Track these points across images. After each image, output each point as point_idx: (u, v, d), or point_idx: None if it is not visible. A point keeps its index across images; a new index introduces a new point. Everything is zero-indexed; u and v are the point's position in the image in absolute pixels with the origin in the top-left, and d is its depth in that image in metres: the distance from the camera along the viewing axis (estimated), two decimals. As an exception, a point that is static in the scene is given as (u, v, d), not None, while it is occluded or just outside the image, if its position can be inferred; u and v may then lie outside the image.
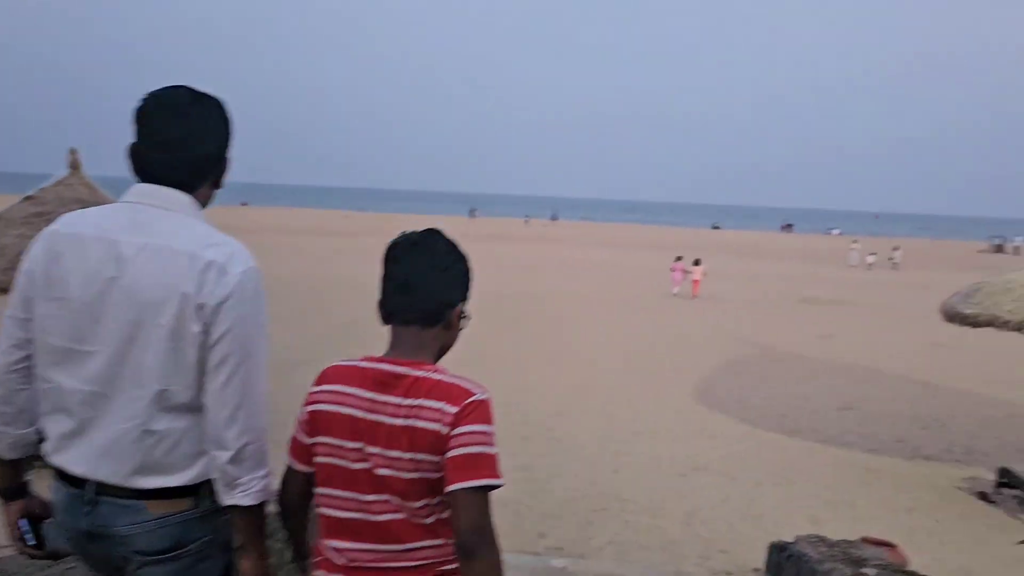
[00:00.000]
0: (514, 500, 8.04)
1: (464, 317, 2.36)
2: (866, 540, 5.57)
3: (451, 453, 2.08)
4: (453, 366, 2.21)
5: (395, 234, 2.38)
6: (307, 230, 57.77)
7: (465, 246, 2.46)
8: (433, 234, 2.35)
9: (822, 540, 5.47)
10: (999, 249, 71.19)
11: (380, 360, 2.26)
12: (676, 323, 22.12)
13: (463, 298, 2.35)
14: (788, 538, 5.74)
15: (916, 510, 8.53)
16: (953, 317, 8.43)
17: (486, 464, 2.08)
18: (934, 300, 29.99)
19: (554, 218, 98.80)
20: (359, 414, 2.19)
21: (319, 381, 2.31)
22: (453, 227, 18.54)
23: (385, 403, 2.17)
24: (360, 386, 2.22)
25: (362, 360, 2.28)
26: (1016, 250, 70.80)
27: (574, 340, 18.51)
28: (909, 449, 11.06)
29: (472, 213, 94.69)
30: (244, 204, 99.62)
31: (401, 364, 2.22)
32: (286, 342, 14.61)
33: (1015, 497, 9.12)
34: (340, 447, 2.21)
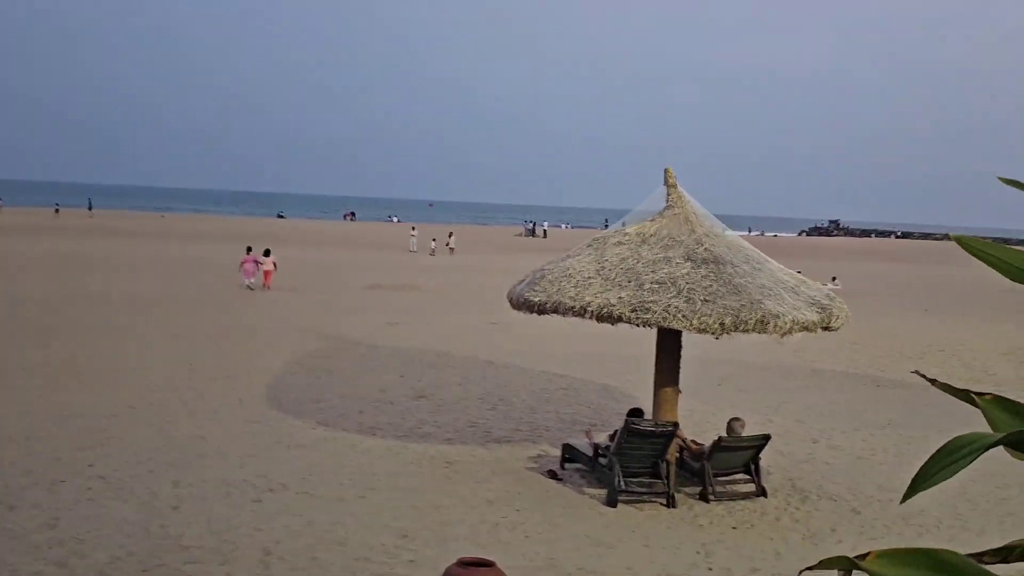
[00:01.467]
0: None
1: None
2: (462, 562, 5.11)
3: None
4: None
5: None
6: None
7: None
8: None
9: None
10: (531, 232, 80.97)
11: None
12: (248, 319, 20.60)
13: None
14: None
15: (497, 502, 8.51)
16: (521, 305, 8.57)
17: None
18: (486, 280, 32.25)
19: (90, 208, 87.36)
20: None
21: None
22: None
23: None
24: None
25: None
26: (544, 233, 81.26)
27: (130, 349, 16.04)
28: (481, 433, 11.25)
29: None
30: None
31: None
32: None
33: (578, 470, 9.67)
34: None
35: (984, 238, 1.78)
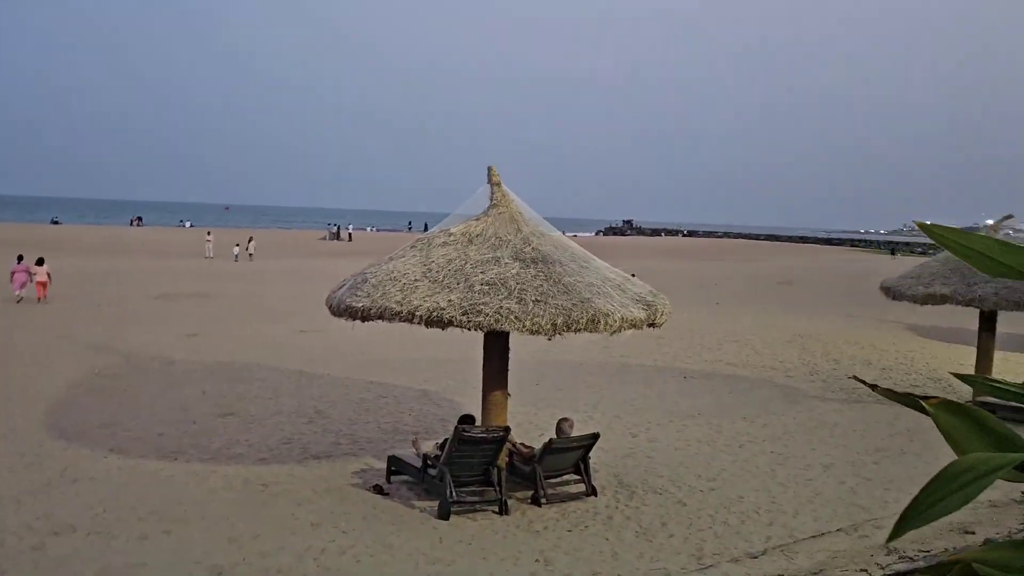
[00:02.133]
0: None
1: None
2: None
3: None
4: None
5: None
6: None
7: None
8: None
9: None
10: (336, 236, 78.88)
11: None
12: (21, 336, 18.29)
13: None
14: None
15: (321, 524, 7.90)
16: (343, 311, 8.00)
17: None
18: (292, 287, 30.88)
19: None
20: None
21: None
22: None
23: None
24: None
25: None
26: (350, 236, 79.44)
27: None
28: (299, 450, 10.52)
29: None
30: None
31: None
32: None
33: (405, 483, 9.22)
34: None
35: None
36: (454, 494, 8.26)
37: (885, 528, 6.81)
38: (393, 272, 7.93)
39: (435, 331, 8.32)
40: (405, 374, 15.46)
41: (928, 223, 1.52)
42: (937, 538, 6.43)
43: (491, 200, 8.79)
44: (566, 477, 9.25)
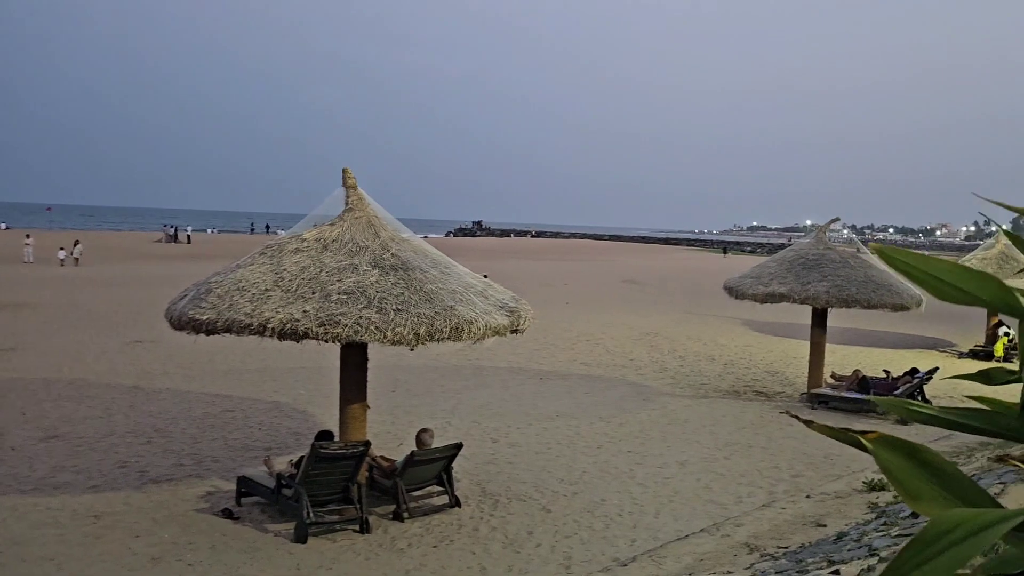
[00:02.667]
0: None
1: None
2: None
3: None
4: None
5: None
6: None
7: None
8: None
9: None
10: (173, 238, 74.48)
11: None
12: None
13: None
14: None
15: (164, 558, 7.23)
16: (184, 324, 7.35)
17: None
18: (124, 294, 28.84)
19: None
20: None
21: None
22: None
23: None
24: None
25: None
26: (188, 238, 75.25)
27: None
28: (136, 474, 9.67)
29: None
30: None
31: None
32: None
33: (257, 505, 8.65)
34: None
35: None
36: (311, 515, 7.80)
37: (744, 525, 6.99)
38: (241, 281, 7.37)
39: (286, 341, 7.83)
40: (252, 385, 14.66)
41: (882, 247, 1.38)
42: (792, 532, 6.65)
43: (346, 204, 8.37)
44: (428, 488, 8.98)
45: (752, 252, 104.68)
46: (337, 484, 8.11)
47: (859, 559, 4.60)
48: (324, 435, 8.61)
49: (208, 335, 7.32)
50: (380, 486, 8.69)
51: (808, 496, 7.88)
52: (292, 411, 12.95)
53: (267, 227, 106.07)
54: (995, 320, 22.58)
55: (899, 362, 18.11)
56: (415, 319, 7.04)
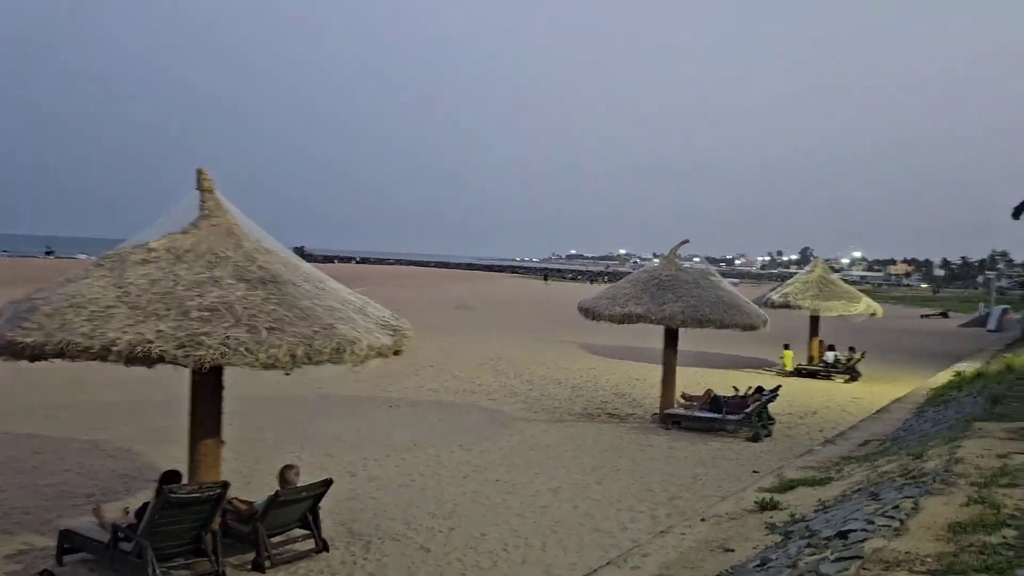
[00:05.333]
0: None
1: None
2: None
3: None
4: None
5: None
6: None
7: None
8: None
9: None
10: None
11: None
12: None
13: None
14: None
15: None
16: (3, 349, 6.02)
17: None
18: None
19: None
20: None
21: None
22: None
23: None
24: None
25: None
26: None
27: None
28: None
29: None
30: None
31: None
32: None
33: (84, 563, 7.30)
34: None
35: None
36: (157, 571, 6.63)
37: (651, 555, 6.60)
38: (75, 297, 6.15)
39: (99, 369, 6.63)
40: (65, 423, 12.84)
41: None
42: (703, 560, 6.34)
43: (202, 210, 7.30)
44: (288, 533, 7.97)
45: (573, 279, 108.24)
46: (187, 533, 6.97)
47: (816, 588, 4.27)
48: (171, 476, 7.42)
49: (32, 361, 6.04)
50: (236, 532, 7.60)
51: (703, 520, 7.63)
52: (116, 450, 11.37)
53: (48, 250, 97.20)
54: (818, 340, 24.16)
55: (732, 382, 18.69)
56: (291, 339, 6.14)
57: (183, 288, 6.36)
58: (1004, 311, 51.12)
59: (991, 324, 46.95)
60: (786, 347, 23.55)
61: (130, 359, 5.82)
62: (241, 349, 5.95)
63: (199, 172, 7.40)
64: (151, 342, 5.80)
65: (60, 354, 5.87)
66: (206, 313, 6.14)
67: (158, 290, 6.30)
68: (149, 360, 5.84)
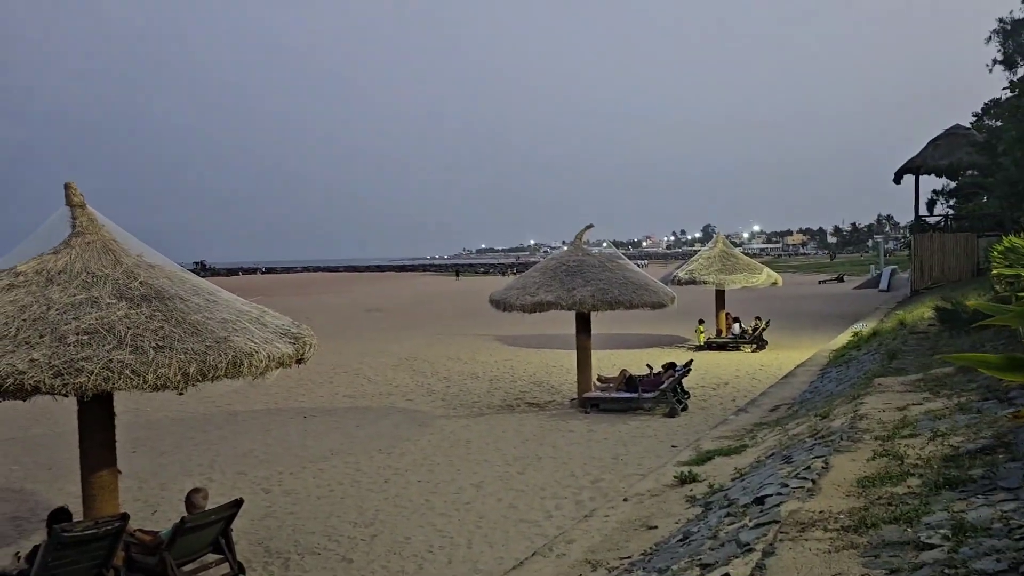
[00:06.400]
0: None
1: None
2: None
3: None
4: None
5: None
6: None
7: None
8: None
9: None
10: None
11: None
12: None
13: None
14: None
15: None
16: None
17: None
18: None
19: None
20: None
21: None
22: None
23: None
24: None
25: None
26: None
27: None
28: None
29: None
30: None
31: None
32: None
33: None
34: None
35: None
36: (55, 618, 6.19)
37: (576, 541, 6.53)
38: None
39: None
40: (-53, 467, 11.95)
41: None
42: (627, 540, 6.31)
43: (73, 227, 6.82)
44: (201, 560, 7.59)
45: (485, 273, 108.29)
46: (86, 573, 6.53)
47: (736, 557, 4.26)
48: (60, 514, 6.94)
49: None
50: (141, 566, 7.18)
51: (625, 500, 7.61)
52: (4, 492, 10.65)
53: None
54: (725, 313, 24.75)
55: (645, 360, 18.94)
56: (182, 356, 5.78)
57: (57, 312, 5.92)
58: (893, 271, 53.67)
59: (883, 284, 49.21)
60: (701, 322, 24.02)
61: (2, 392, 5.38)
62: (127, 372, 5.58)
63: (67, 186, 6.91)
64: (23, 373, 5.37)
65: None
66: (84, 337, 5.73)
67: (29, 316, 5.85)
68: (23, 392, 5.41)
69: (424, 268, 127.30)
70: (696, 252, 30.90)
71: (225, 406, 16.24)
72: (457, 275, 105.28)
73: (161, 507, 9.71)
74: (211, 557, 7.58)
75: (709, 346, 23.36)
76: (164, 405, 15.73)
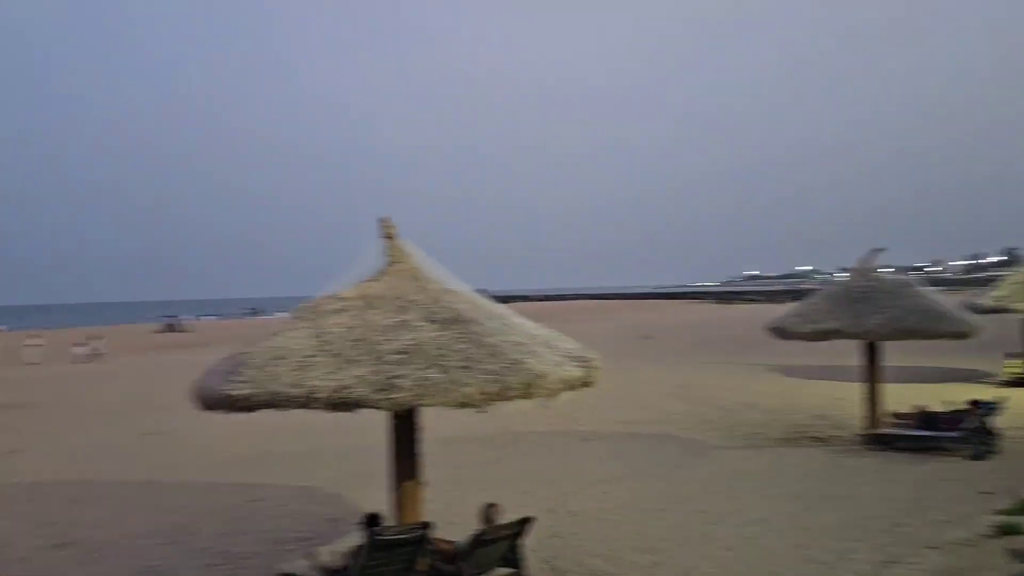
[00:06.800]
0: None
1: None
2: None
3: None
4: None
5: None
6: None
7: None
8: None
9: None
10: (171, 328, 73.75)
11: None
12: None
13: None
14: None
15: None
16: (219, 403, 6.47)
17: None
18: (128, 385, 27.83)
19: None
20: None
21: None
22: None
23: None
24: None
25: None
26: (184, 327, 74.55)
27: None
28: (162, 579, 8.65)
29: None
30: None
31: None
32: None
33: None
34: None
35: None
36: (371, 613, 6.79)
37: (882, 588, 6.02)
38: (279, 350, 6.52)
39: (298, 418, 6.89)
40: (275, 471, 13.65)
41: None
42: None
43: (387, 257, 7.59)
44: (494, 572, 7.95)
45: (753, 301, 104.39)
46: (396, 575, 7.11)
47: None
48: (372, 518, 7.63)
49: (247, 413, 6.44)
50: (440, 573, 7.68)
51: (934, 548, 6.91)
52: (324, 496, 11.92)
53: (251, 311, 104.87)
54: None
55: (941, 395, 17.03)
56: (482, 376, 6.18)
57: (376, 333, 6.57)
58: None
59: None
60: (1014, 355, 21.36)
61: (333, 405, 6.07)
62: (435, 389, 6.04)
63: (382, 221, 7.70)
64: (350, 388, 6.02)
65: (268, 404, 6.21)
66: (399, 356, 6.30)
67: (353, 337, 6.55)
68: (350, 405, 6.05)
69: (691, 296, 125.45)
70: (992, 278, 27.48)
71: (507, 427, 16.95)
72: (727, 303, 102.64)
73: (453, 519, 10.31)
74: (500, 571, 7.92)
75: (1021, 383, 20.58)
76: (448, 424, 16.77)
